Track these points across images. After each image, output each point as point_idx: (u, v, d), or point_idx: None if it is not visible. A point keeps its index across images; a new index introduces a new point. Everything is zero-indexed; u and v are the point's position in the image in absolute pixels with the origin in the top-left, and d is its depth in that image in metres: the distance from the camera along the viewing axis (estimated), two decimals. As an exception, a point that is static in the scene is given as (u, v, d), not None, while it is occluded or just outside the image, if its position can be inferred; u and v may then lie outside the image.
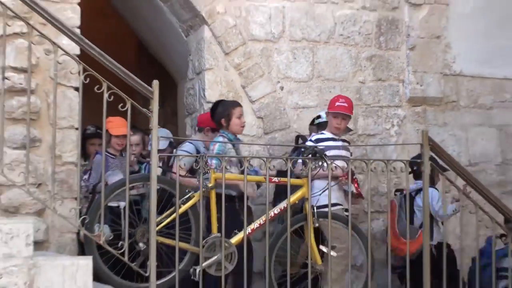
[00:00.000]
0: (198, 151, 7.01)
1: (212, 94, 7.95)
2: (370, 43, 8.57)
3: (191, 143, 7.29)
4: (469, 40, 8.91)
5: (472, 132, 9.06)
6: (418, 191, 7.62)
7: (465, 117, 9.02)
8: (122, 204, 6.46)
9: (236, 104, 7.29)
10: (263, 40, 8.16)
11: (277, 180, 6.64)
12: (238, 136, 7.22)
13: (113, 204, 6.42)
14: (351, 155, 7.51)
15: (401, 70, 8.70)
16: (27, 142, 5.99)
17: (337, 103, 7.40)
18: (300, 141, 7.64)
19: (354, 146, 8.00)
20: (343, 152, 7.34)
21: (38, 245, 5.74)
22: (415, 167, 7.36)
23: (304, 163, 6.56)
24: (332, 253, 6.51)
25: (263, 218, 6.52)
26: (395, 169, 6.89)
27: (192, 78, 8.30)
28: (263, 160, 6.36)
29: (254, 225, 6.55)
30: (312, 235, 6.56)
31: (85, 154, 7.29)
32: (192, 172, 6.66)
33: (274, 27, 8.20)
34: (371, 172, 6.60)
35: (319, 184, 6.79)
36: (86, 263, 5.46)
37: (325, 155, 6.62)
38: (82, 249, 6.31)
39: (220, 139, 7.01)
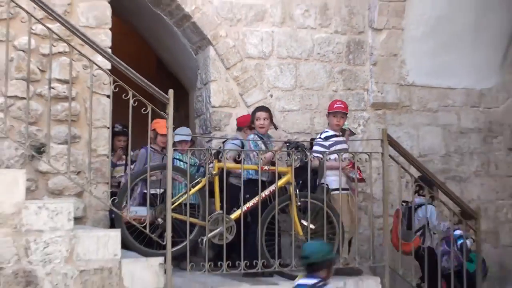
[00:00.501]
0: (242, 145, 7.12)
1: (216, 100, 7.98)
2: (341, 60, 8.59)
3: (237, 138, 7.38)
4: (419, 58, 8.93)
5: (422, 130, 9.08)
6: (420, 205, 7.66)
7: (416, 118, 9.05)
8: (158, 191, 6.48)
9: (259, 109, 7.40)
10: (256, 57, 8.18)
11: (267, 168, 6.65)
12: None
13: (152, 191, 6.33)
14: (348, 147, 7.52)
15: (366, 81, 8.71)
16: (68, 138, 6.03)
17: (335, 105, 7.48)
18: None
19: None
20: (344, 145, 7.37)
21: (78, 220, 5.79)
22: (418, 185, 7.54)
23: (288, 154, 6.59)
24: (311, 226, 6.55)
25: (256, 198, 6.54)
26: (361, 159, 6.92)
27: (200, 87, 8.31)
28: (256, 153, 6.39)
29: (249, 204, 6.57)
30: (295, 211, 6.56)
31: (112, 148, 7.25)
32: (236, 161, 6.67)
33: (265, 47, 8.21)
34: (342, 161, 6.65)
35: (329, 172, 6.87)
36: (115, 234, 5.49)
37: (305, 148, 6.65)
38: (113, 223, 6.34)
39: (251, 136, 7.17)
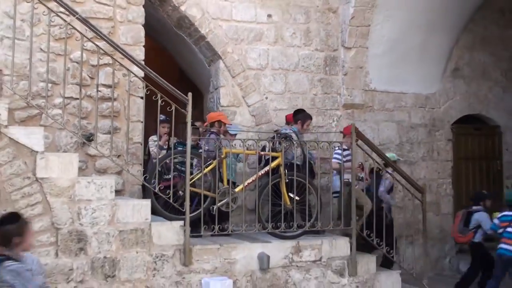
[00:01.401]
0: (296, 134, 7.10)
1: (224, 101, 7.94)
2: (320, 71, 8.54)
3: (288, 129, 7.28)
4: (379, 70, 8.88)
5: (381, 125, 9.05)
6: (476, 211, 8.05)
7: (377, 116, 9.01)
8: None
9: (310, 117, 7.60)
10: (255, 68, 8.13)
11: (263, 153, 6.63)
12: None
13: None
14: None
15: (339, 87, 8.66)
16: (111, 130, 6.00)
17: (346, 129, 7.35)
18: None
19: (310, 133, 7.99)
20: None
21: (118, 193, 5.79)
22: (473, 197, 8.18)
23: (279, 143, 6.56)
24: (297, 198, 6.53)
25: (255, 176, 6.52)
26: (334, 148, 6.90)
27: (212, 91, 8.27)
28: (255, 141, 6.37)
29: (250, 180, 6.54)
30: (284, 186, 6.53)
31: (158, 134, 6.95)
32: (273, 150, 6.63)
33: (262, 61, 8.16)
34: (320, 148, 6.63)
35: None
36: (147, 203, 5.51)
37: (292, 138, 6.61)
38: (145, 195, 6.30)
39: (288, 130, 7.13)
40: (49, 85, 6.03)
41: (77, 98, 6.29)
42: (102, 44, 5.70)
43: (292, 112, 7.71)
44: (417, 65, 9.10)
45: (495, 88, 10.13)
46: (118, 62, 5.71)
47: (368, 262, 6.56)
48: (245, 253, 5.86)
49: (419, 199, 7.21)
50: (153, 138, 6.85)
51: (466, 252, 9.52)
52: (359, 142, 6.78)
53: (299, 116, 7.46)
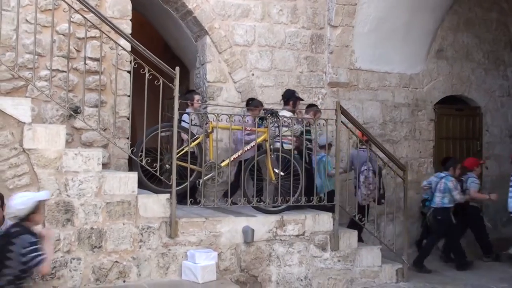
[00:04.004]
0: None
1: (211, 77, 7.97)
2: (306, 49, 8.58)
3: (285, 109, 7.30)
4: (365, 49, 8.94)
5: (365, 104, 9.15)
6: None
7: (362, 95, 9.09)
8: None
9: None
10: (242, 45, 8.15)
11: (249, 128, 6.67)
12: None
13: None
14: None
15: (324, 65, 8.72)
16: (98, 103, 5.99)
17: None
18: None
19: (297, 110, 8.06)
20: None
21: (103, 166, 5.79)
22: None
23: (266, 118, 6.61)
24: (281, 173, 6.61)
25: (240, 151, 6.58)
26: (319, 124, 6.98)
27: (199, 67, 8.27)
28: (241, 116, 6.42)
29: (235, 155, 6.61)
30: (270, 162, 6.61)
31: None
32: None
33: (248, 37, 8.18)
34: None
35: None
36: (133, 176, 5.55)
37: (278, 114, 6.66)
38: (131, 169, 6.32)
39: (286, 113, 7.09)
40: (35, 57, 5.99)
41: (63, 71, 6.29)
42: (89, 16, 5.67)
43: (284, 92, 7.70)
44: (402, 45, 9.18)
45: (478, 70, 10.28)
46: (106, 35, 5.69)
47: (350, 237, 6.70)
48: (230, 227, 5.95)
49: (401, 177, 7.34)
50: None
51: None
52: (343, 119, 6.85)
53: (292, 98, 7.50)
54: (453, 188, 7.95)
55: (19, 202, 3.86)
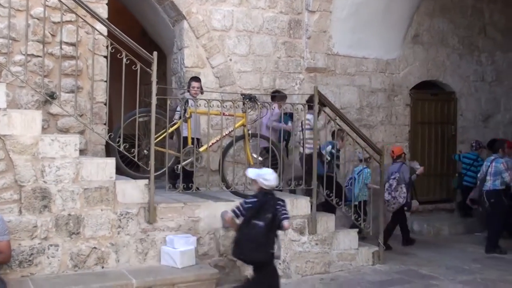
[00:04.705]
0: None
1: (188, 62, 7.92)
2: (284, 34, 8.57)
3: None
4: (342, 34, 8.96)
5: (343, 89, 9.19)
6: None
7: (339, 80, 9.13)
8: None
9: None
10: (220, 30, 8.09)
11: (227, 113, 6.63)
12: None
13: None
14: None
15: (302, 51, 8.73)
16: (75, 88, 5.91)
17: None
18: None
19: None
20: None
21: (80, 152, 5.72)
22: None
23: (243, 103, 6.60)
24: (260, 158, 6.63)
25: (219, 136, 6.57)
26: (297, 109, 6.99)
27: (176, 52, 8.21)
28: (220, 102, 6.39)
29: (214, 140, 6.60)
30: (248, 146, 6.61)
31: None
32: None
33: (226, 22, 8.13)
34: (283, 110, 6.71)
35: None
36: (111, 161, 5.51)
37: (257, 99, 6.64)
38: (108, 155, 6.27)
39: None
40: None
41: (38, 56, 6.18)
42: (64, 0, 5.57)
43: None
44: (379, 30, 9.22)
45: (452, 55, 10.40)
46: (82, 19, 5.61)
47: (327, 221, 6.76)
48: (209, 212, 5.95)
49: (378, 161, 7.42)
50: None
51: (420, 213, 9.93)
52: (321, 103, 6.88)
53: (277, 97, 7.67)
54: (504, 170, 8.08)
55: None
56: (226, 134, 6.60)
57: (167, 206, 5.74)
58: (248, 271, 6.11)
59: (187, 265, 5.48)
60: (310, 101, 7.16)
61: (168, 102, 6.00)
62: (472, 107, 10.69)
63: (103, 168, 5.39)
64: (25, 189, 4.97)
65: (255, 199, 5.04)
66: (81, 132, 6.53)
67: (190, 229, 5.82)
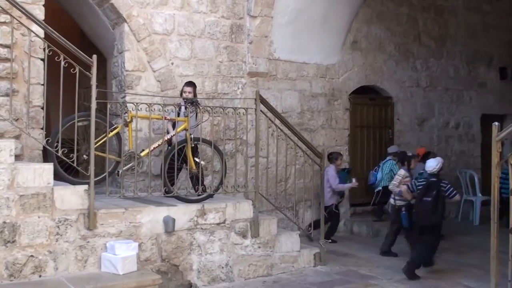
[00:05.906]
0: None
1: (129, 66, 7.75)
2: (226, 38, 8.58)
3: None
4: (283, 39, 9.06)
5: (284, 93, 9.28)
6: None
7: (280, 84, 9.23)
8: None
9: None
10: (161, 33, 8.01)
11: (168, 118, 6.60)
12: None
13: None
14: None
15: (244, 55, 8.76)
16: (10, 92, 5.71)
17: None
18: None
19: (216, 99, 8.06)
20: None
21: (16, 158, 5.49)
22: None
23: (186, 108, 6.57)
24: (202, 162, 6.61)
25: (160, 140, 6.51)
26: (239, 113, 7.01)
27: (117, 55, 8.05)
28: (161, 106, 6.34)
29: (155, 145, 6.53)
30: (190, 151, 6.57)
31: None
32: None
33: (168, 26, 8.05)
34: (225, 114, 6.73)
35: None
36: (49, 167, 5.36)
37: (199, 104, 6.63)
38: (46, 160, 6.08)
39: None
40: None
41: (-30, 58, 5.93)
42: (-2, 0, 5.38)
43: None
44: (319, 36, 9.39)
45: (389, 61, 10.74)
46: (17, 20, 5.42)
47: (269, 224, 6.82)
48: (151, 217, 5.88)
49: (318, 164, 7.55)
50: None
51: (359, 215, 10.18)
52: (263, 109, 6.94)
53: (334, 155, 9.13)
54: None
55: None
56: (168, 139, 6.53)
57: (107, 212, 5.63)
58: (190, 275, 6.09)
59: (129, 272, 5.39)
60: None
61: (108, 106, 5.89)
62: (408, 112, 11.07)
63: (40, 174, 5.22)
64: (-44, 197, 4.76)
65: (424, 182, 6.93)
66: (17, 137, 6.29)
67: (131, 235, 5.73)
